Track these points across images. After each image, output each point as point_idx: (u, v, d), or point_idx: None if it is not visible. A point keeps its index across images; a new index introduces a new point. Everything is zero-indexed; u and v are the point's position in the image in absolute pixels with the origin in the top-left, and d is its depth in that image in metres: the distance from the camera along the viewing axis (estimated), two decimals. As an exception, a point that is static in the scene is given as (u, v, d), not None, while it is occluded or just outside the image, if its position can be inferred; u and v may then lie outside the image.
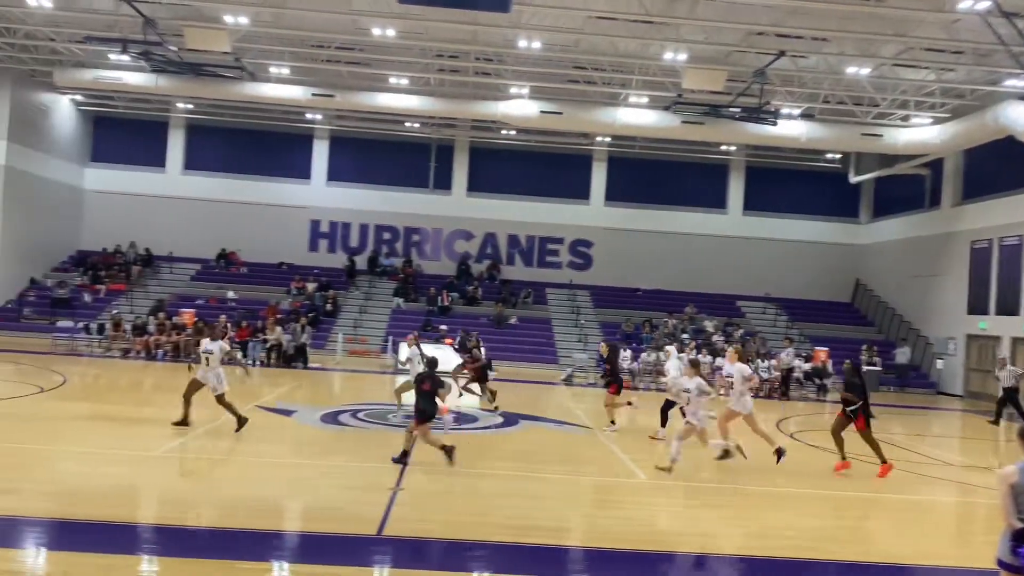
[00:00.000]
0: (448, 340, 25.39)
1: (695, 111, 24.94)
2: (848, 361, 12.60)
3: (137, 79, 25.90)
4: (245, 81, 25.69)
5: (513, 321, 30.22)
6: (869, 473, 11.61)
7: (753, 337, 28.25)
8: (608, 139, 32.54)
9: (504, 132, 32.26)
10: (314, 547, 7.33)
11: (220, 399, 11.98)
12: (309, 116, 32.25)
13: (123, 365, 22.21)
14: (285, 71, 26.00)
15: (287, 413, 14.88)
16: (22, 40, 24.88)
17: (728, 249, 34.06)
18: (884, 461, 11.56)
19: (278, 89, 26.55)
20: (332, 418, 14.35)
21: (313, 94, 26.46)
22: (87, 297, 29.08)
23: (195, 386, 12.00)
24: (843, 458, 11.84)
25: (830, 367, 24.99)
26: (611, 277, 33.68)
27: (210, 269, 32.44)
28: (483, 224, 34.04)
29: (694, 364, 11.88)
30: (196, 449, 11.14)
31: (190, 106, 32.13)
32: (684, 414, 11.67)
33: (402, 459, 10.41)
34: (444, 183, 34.17)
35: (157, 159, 33.48)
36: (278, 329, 24.70)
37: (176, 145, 33.61)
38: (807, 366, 25.20)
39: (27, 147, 28.90)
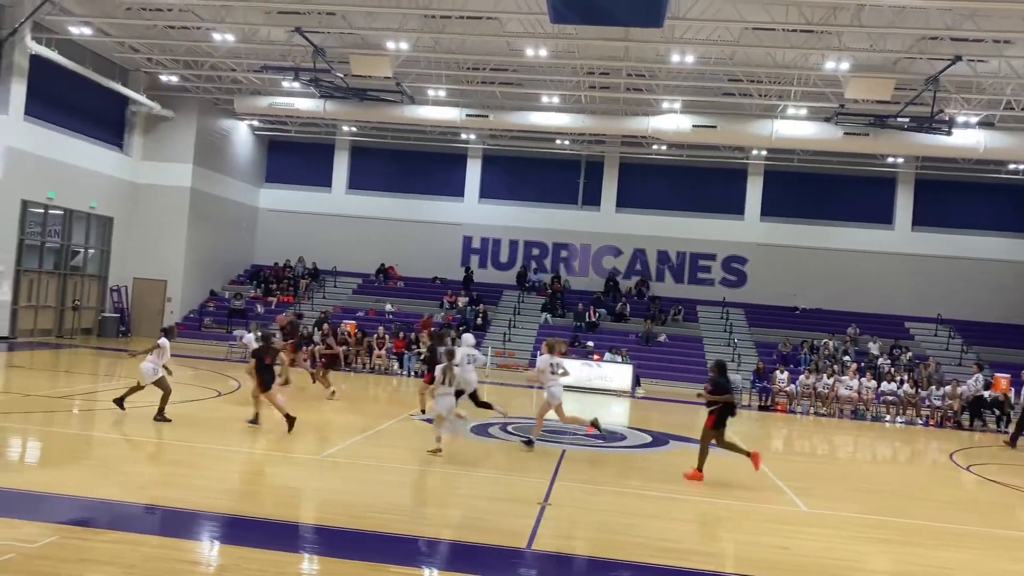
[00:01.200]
0: (596, 356, 25.34)
1: (859, 122, 23.72)
2: (715, 360, 12.15)
3: (307, 104, 27.67)
4: (404, 104, 26.84)
5: (662, 339, 29.72)
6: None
7: (924, 362, 26.35)
8: (764, 152, 31.52)
9: (655, 147, 31.95)
10: (465, 557, 7.48)
11: (137, 389, 12.82)
12: (463, 136, 33.26)
13: (289, 372, 23.56)
14: (441, 93, 26.97)
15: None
16: (207, 72, 27.25)
17: (895, 267, 32.08)
18: (748, 454, 11.28)
19: (435, 111, 27.57)
20: (482, 430, 14.62)
21: (467, 115, 27.27)
22: (260, 308, 31.20)
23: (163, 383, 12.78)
24: (699, 468, 11.47)
25: (1012, 396, 22.88)
26: (767, 295, 32.51)
27: (370, 283, 34.01)
28: (632, 240, 33.79)
29: (550, 345, 12.79)
30: (354, 454, 11.65)
31: (354, 129, 33.94)
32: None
33: (255, 421, 12.79)
34: (593, 199, 34.23)
35: (324, 179, 35.60)
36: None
37: (341, 166, 35.59)
38: (986, 394, 23.18)
39: (209, 170, 31.50)
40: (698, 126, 25.72)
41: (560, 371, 12.69)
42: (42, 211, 25.71)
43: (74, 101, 26.47)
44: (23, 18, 20.57)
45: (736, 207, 33.44)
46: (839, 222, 32.73)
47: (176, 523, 7.87)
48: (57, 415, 13.11)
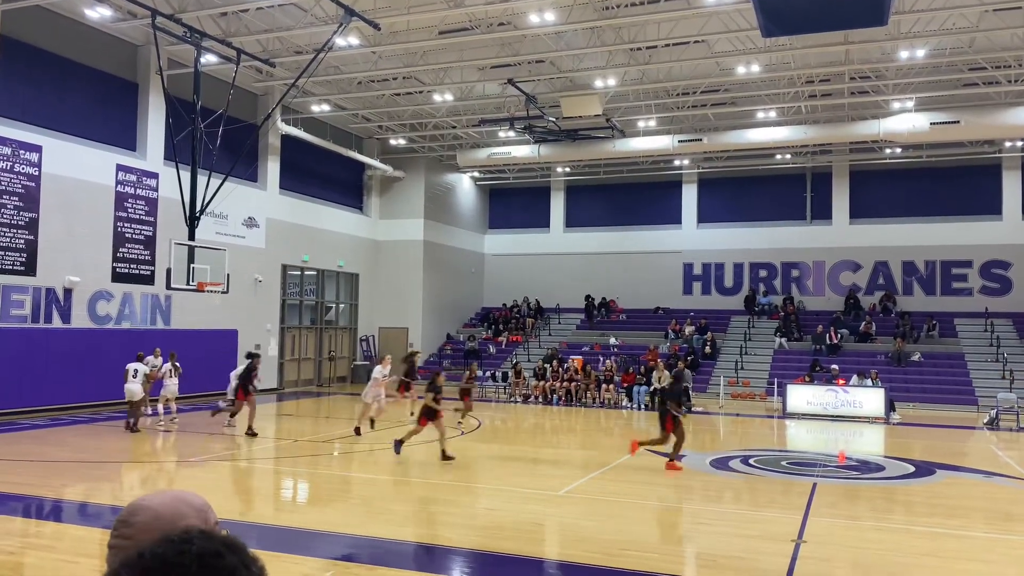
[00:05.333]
0: (840, 380, 23.66)
1: None
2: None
3: (523, 151, 28.72)
4: (615, 139, 27.03)
5: (916, 358, 27.19)
6: None
7: None
8: (1020, 143, 28.19)
9: (888, 151, 29.65)
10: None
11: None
12: (676, 162, 32.82)
13: (524, 409, 24.25)
14: (652, 123, 26.87)
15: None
16: (431, 132, 29.19)
17: None
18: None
19: (646, 141, 27.52)
20: (722, 464, 14.11)
21: (680, 141, 26.93)
22: (491, 348, 32.47)
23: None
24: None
25: None
26: (1038, 302, 28.78)
27: (593, 318, 34.26)
28: (871, 252, 31.38)
29: (381, 358, 18.01)
30: (594, 490, 11.66)
31: (567, 169, 34.67)
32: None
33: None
34: (823, 212, 32.29)
35: (542, 221, 36.60)
36: (666, 372, 25.03)
37: (557, 206, 36.43)
38: None
39: (439, 222, 33.52)
40: (937, 123, 23.60)
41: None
42: (298, 273, 28.61)
43: (319, 171, 29.36)
44: (274, 104, 23.22)
45: (991, 206, 30.05)
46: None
47: (438, 559, 8.26)
48: (321, 458, 14.36)
